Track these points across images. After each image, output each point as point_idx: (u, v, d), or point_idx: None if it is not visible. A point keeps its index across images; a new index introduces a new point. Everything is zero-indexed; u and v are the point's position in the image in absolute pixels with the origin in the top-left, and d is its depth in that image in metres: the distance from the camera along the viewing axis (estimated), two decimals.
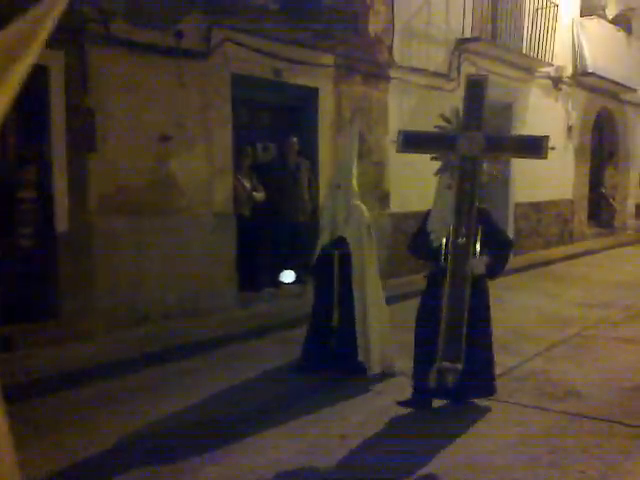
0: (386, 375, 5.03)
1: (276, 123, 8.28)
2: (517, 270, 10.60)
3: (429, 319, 4.34)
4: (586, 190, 14.67)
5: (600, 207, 15.85)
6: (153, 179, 6.36)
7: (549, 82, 12.63)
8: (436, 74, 9.54)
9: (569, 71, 13.19)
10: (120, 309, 6.14)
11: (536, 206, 12.68)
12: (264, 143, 8.12)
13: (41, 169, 5.67)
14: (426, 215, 4.58)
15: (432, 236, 4.39)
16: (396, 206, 9.08)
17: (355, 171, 5.20)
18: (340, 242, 5.08)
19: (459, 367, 4.13)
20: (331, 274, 5.09)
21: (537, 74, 12.18)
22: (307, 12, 7.15)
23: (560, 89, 12.96)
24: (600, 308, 7.79)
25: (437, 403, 4.45)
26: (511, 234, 11.87)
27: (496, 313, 7.36)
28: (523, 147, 4.63)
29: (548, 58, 11.83)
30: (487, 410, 4.42)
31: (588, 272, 10.82)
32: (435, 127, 4.50)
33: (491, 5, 10.60)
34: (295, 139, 7.77)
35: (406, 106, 9.27)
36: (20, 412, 4.39)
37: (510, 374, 5.21)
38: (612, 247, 14.07)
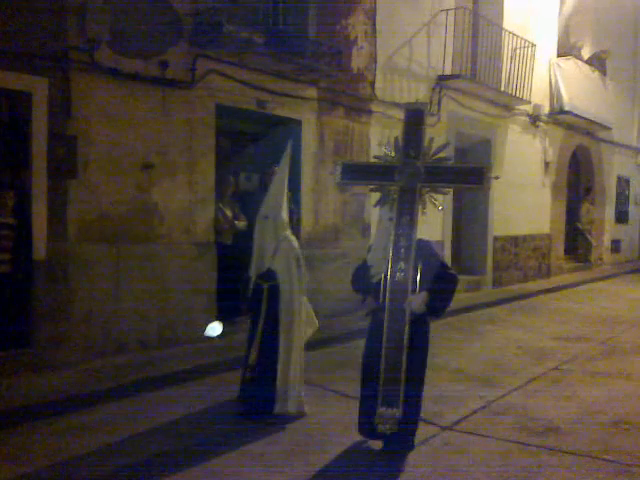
0: (297, 415, 4.82)
1: (259, 153, 8.32)
2: (496, 303, 10.69)
3: (372, 359, 4.09)
4: (563, 225, 14.92)
5: (577, 242, 16.10)
6: (134, 207, 6.32)
7: (527, 119, 12.92)
8: None
9: (546, 109, 13.52)
10: (97, 338, 6.04)
11: (514, 240, 12.84)
12: (247, 173, 8.13)
13: (20, 195, 5.61)
14: (369, 248, 4.41)
15: (372, 270, 4.19)
16: None
17: (285, 202, 5.05)
18: (269, 274, 4.88)
19: (396, 413, 3.91)
20: (260, 308, 4.88)
21: (515, 111, 12.45)
22: (291, 46, 7.27)
23: (537, 126, 13.26)
24: (577, 342, 7.85)
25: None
26: (490, 267, 12.02)
27: (475, 346, 7.50)
28: (463, 177, 4.33)
29: (526, 96, 12.13)
30: (466, 444, 4.39)
31: (565, 306, 10.92)
32: (374, 157, 4.33)
33: (471, 44, 10.88)
34: (277, 169, 7.79)
35: (387, 139, 9.38)
36: None
37: (489, 408, 5.19)
38: (588, 281, 14.26)
